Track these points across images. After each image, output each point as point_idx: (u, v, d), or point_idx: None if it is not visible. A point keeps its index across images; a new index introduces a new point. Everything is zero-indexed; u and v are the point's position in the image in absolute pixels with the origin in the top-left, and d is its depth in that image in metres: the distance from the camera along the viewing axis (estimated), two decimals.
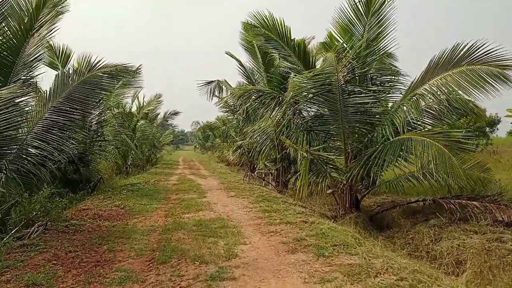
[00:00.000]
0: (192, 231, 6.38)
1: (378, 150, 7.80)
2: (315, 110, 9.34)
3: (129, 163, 22.48)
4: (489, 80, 7.41)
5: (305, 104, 9.35)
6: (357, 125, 8.28)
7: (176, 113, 28.98)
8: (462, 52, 7.81)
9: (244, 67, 15.32)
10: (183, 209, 8.63)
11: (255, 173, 17.57)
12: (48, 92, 6.98)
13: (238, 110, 15.33)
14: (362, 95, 7.78)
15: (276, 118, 11.27)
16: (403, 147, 7.50)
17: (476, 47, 7.62)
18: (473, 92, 7.46)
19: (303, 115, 9.33)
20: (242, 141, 20.68)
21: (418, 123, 8.41)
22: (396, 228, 7.96)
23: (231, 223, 6.98)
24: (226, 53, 15.67)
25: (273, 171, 15.04)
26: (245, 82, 16.09)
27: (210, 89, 14.71)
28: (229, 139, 26.88)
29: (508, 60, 7.31)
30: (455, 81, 7.64)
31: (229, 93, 15.05)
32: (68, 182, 10.71)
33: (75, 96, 6.95)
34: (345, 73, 7.16)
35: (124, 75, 8.13)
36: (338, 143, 8.77)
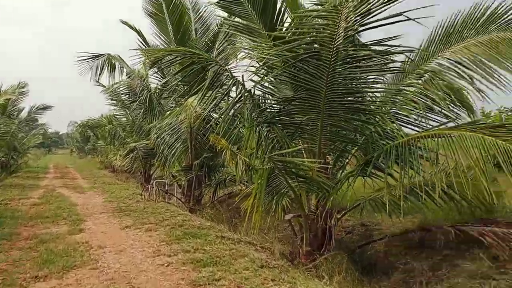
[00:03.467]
0: None
1: (378, 154, 4.89)
2: (277, 95, 6.06)
3: None
4: None
5: (261, 87, 6.03)
6: (348, 115, 5.27)
7: (46, 108, 22.82)
8: (486, 15, 5.43)
9: (147, 43, 11.27)
10: (36, 269, 4.52)
11: (153, 183, 13.53)
12: None
13: (136, 100, 11.20)
14: (361, 65, 4.77)
15: (201, 107, 7.69)
16: (415, 150, 4.70)
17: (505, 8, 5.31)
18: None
19: (258, 101, 5.93)
20: (136, 143, 16.32)
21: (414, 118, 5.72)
22: (397, 272, 5.13)
23: None
24: (122, 23, 11.46)
25: (182, 182, 11.29)
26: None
27: (98, 67, 10.34)
28: (117, 140, 21.94)
29: None
30: (484, 52, 5.18)
31: (124, 75, 10.82)
32: None
33: None
34: (350, 22, 4.03)
35: None
36: (312, 144, 5.62)
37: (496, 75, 4.90)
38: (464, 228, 4.74)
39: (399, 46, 4.66)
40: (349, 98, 5.16)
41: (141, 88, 10.59)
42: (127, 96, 12.23)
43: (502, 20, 5.33)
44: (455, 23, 5.68)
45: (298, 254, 5.79)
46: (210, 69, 5.83)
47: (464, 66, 5.16)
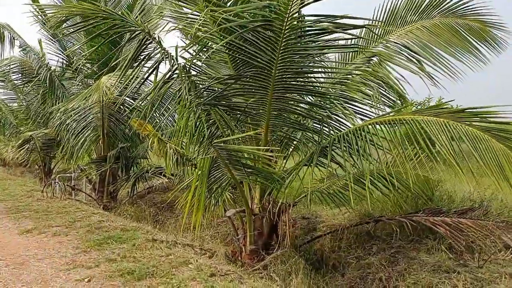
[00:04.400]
0: None
1: (330, 141, 4.50)
2: (213, 75, 5.26)
3: None
4: (469, 38, 5.20)
5: (194, 67, 5.19)
6: (299, 97, 4.75)
7: None
8: (427, 1, 5.37)
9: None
10: None
11: (56, 178, 11.77)
12: None
13: (32, 80, 9.39)
14: (316, 40, 4.28)
15: (117, 88, 6.60)
16: (369, 137, 4.41)
17: None
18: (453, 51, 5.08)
19: (195, 79, 5.07)
20: (32, 133, 14.11)
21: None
22: (351, 268, 4.84)
23: None
24: None
25: (93, 177, 9.90)
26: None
27: None
28: (7, 129, 18.92)
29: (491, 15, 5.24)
30: (429, 37, 5.10)
31: (15, 50, 8.91)
32: None
33: None
34: None
35: None
36: (256, 130, 4.99)
37: (443, 61, 4.82)
38: (416, 219, 4.60)
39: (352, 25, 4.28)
40: (300, 79, 4.67)
41: (38, 65, 8.87)
42: (21, 75, 10.26)
43: (443, 7, 5.31)
44: (398, 7, 5.54)
45: (240, 253, 5.19)
46: (133, 38, 4.86)
47: (411, 50, 5.01)
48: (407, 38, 5.17)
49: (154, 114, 8.48)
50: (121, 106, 9.30)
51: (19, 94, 15.55)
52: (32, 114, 14.00)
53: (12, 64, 10.08)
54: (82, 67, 9.74)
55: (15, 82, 14.47)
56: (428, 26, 5.20)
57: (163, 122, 8.23)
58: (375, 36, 5.34)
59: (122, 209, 8.81)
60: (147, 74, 4.92)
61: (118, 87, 6.88)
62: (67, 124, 8.31)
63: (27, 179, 15.60)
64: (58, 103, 8.56)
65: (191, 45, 5.20)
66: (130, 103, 9.42)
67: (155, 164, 9.24)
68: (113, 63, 6.16)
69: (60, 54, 9.50)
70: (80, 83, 9.85)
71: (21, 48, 8.92)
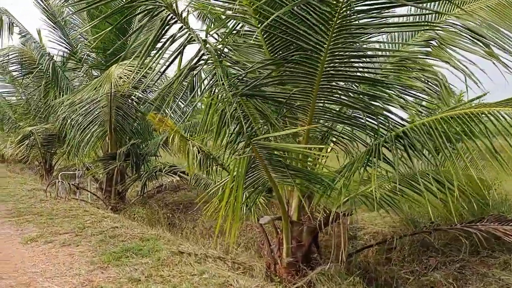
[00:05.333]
0: None
1: (388, 138, 3.83)
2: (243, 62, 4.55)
3: None
4: None
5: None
6: (347, 85, 4.06)
7: None
8: None
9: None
10: None
11: (58, 176, 11.07)
12: None
13: (33, 72, 8.63)
14: (380, 16, 3.57)
15: (129, 78, 5.91)
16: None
17: None
18: None
19: (226, 66, 4.37)
20: (33, 128, 13.41)
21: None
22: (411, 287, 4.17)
23: None
24: None
25: (100, 175, 9.21)
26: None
27: None
28: (6, 125, 18.19)
29: None
30: (494, 17, 4.41)
31: (14, 38, 8.13)
32: None
33: None
34: None
35: None
36: (298, 123, 4.29)
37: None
38: (482, 227, 3.94)
39: None
40: (354, 63, 3.97)
41: (40, 54, 8.12)
42: (21, 66, 9.49)
43: None
44: None
45: (274, 266, 4.53)
46: (153, 17, 4.14)
47: (475, 32, 4.32)
48: (471, 18, 4.47)
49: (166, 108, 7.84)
50: (130, 99, 8.60)
51: (18, 87, 14.81)
52: (33, 108, 13.29)
53: (11, 54, 9.33)
54: (86, 57, 8.99)
55: (14, 74, 13.77)
56: (492, 5, 4.51)
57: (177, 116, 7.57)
58: (434, 16, 4.65)
59: (132, 210, 8.13)
60: (171, 59, 4.20)
61: (130, 76, 6.19)
62: (73, 118, 7.58)
63: (27, 177, 14.91)
64: (62, 95, 7.83)
65: (220, 25, 4.51)
66: (140, 96, 8.72)
67: (169, 162, 8.54)
68: (125, 51, 5.45)
69: (63, 43, 8.76)
70: (85, 75, 9.10)
71: (21, 35, 8.17)
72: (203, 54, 4.20)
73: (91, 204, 8.71)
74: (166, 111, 9.04)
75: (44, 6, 8.48)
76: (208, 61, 4.27)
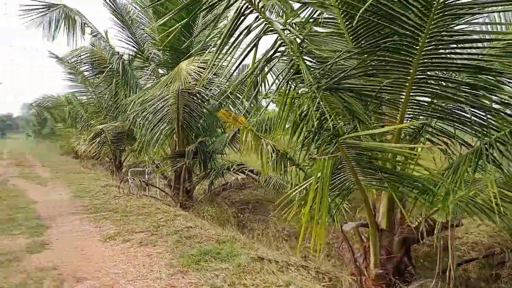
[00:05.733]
0: None
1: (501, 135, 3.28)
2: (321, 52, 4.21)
3: None
4: None
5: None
6: (454, 74, 3.59)
7: None
8: None
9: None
10: None
11: (128, 172, 11.47)
12: None
13: (103, 71, 8.90)
14: None
15: (201, 72, 5.80)
16: None
17: None
18: None
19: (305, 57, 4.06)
20: (103, 126, 14.05)
21: None
22: None
23: None
24: None
25: (169, 173, 9.34)
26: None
27: (52, 22, 7.84)
28: (79, 123, 19.32)
29: None
30: None
31: (85, 38, 8.42)
32: None
33: None
34: None
35: None
36: (385, 119, 3.88)
37: None
38: None
39: None
40: (458, 50, 3.46)
41: (111, 53, 8.33)
42: (92, 66, 9.85)
43: None
44: None
45: (360, 277, 4.16)
46: (229, 7, 3.90)
47: None
48: None
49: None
50: (195, 97, 8.58)
51: (89, 87, 15.56)
52: (104, 106, 13.89)
53: (83, 54, 9.72)
54: (153, 56, 9.10)
55: (85, 73, 14.48)
56: None
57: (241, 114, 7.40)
58: None
59: (201, 208, 8.12)
60: (245, 53, 3.95)
61: (201, 72, 6.08)
62: (143, 116, 7.69)
63: (99, 172, 15.68)
64: (133, 94, 7.98)
65: (298, 12, 4.19)
66: (205, 93, 8.68)
67: (236, 161, 8.41)
68: (191, 47, 5.31)
69: (130, 42, 8.94)
70: (151, 73, 9.23)
71: (92, 35, 8.42)
72: (280, 45, 3.94)
73: (161, 201, 8.85)
74: (231, 107, 8.93)
75: (112, 6, 8.68)
76: (284, 53, 4.00)
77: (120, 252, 4.45)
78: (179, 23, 4.86)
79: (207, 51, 7.90)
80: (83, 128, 18.58)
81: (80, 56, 9.71)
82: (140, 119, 7.81)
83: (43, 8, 7.53)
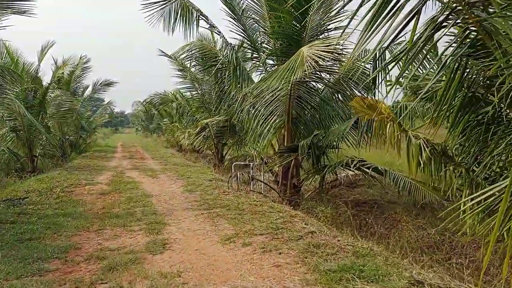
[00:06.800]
0: None
1: None
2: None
3: (37, 153, 15.18)
4: None
5: None
6: None
7: (109, 84, 21.50)
8: None
9: None
10: None
11: (232, 166, 11.33)
12: None
13: (214, 64, 8.74)
14: None
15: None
16: None
17: None
18: None
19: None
20: (208, 120, 14.25)
21: None
22: None
23: None
24: None
25: (276, 169, 8.87)
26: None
27: (172, 13, 7.90)
28: (184, 118, 20.14)
29: None
30: None
31: (197, 32, 8.30)
32: None
33: None
34: None
35: None
36: None
37: None
38: None
39: None
40: None
41: (224, 44, 8.09)
42: (202, 60, 9.80)
43: None
44: None
45: None
46: None
47: None
48: None
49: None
50: (309, 87, 7.93)
51: (195, 83, 15.93)
52: (213, 101, 14.06)
53: (193, 50, 9.69)
54: (265, 46, 8.67)
55: (192, 70, 14.80)
56: None
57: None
58: None
59: (308, 205, 7.48)
60: (403, 23, 3.12)
61: (324, 57, 5.38)
62: (256, 108, 7.29)
63: (203, 165, 16.03)
64: (245, 86, 7.63)
65: None
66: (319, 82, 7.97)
67: (356, 156, 7.57)
68: (305, 34, 4.57)
69: (242, 33, 8.62)
70: (261, 64, 8.81)
71: (209, 25, 8.26)
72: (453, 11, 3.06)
73: (265, 195, 8.43)
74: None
75: None
76: (457, 21, 3.11)
77: (243, 259, 3.99)
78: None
79: (322, 36, 7.21)
80: (188, 123, 19.30)
81: (191, 51, 9.68)
82: (253, 111, 7.41)
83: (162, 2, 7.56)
